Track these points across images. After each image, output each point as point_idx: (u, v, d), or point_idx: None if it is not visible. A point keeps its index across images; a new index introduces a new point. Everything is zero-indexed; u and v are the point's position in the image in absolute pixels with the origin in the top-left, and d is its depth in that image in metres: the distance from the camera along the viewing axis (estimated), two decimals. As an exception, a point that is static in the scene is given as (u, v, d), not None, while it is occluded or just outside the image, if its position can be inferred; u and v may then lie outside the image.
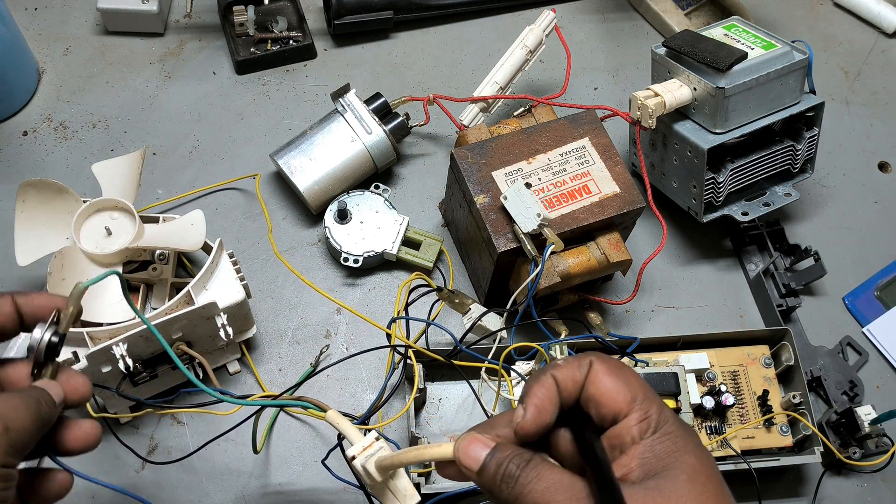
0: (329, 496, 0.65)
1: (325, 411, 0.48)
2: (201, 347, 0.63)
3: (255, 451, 0.61)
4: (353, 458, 0.44)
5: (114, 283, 0.62)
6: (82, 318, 0.61)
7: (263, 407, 0.57)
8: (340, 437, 0.51)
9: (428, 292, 0.64)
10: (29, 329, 0.42)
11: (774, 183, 0.76)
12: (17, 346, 0.67)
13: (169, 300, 0.63)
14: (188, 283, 0.62)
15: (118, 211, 0.65)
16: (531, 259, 0.62)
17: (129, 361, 0.56)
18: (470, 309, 0.62)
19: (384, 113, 0.76)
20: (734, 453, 0.64)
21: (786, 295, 0.75)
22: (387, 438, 0.59)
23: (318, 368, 0.69)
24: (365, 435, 0.46)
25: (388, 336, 0.61)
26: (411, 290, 0.63)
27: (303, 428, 0.68)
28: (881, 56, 0.96)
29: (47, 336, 0.41)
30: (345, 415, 0.56)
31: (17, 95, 0.80)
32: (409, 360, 0.62)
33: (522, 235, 0.61)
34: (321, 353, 0.70)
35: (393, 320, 0.60)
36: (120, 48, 0.86)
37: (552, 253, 0.62)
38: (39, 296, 0.42)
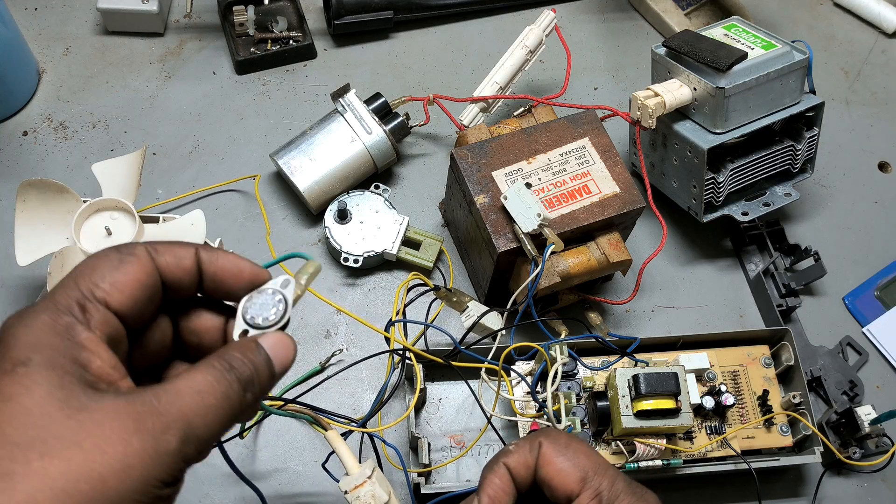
0: (330, 498, 0.65)
1: (325, 429, 0.48)
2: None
3: (241, 436, 0.61)
4: (346, 492, 0.45)
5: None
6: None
7: (268, 413, 0.56)
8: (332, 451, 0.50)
9: (426, 292, 0.64)
10: (207, 291, 0.35)
11: (774, 183, 0.76)
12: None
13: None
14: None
15: (118, 211, 0.65)
16: (531, 259, 0.62)
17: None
18: (468, 307, 0.62)
19: (384, 113, 0.76)
20: (734, 453, 0.64)
21: (786, 295, 0.75)
22: (385, 443, 0.59)
23: (325, 370, 0.69)
24: (361, 463, 0.46)
25: (387, 340, 0.61)
26: (409, 290, 0.63)
27: (302, 428, 0.67)
28: (881, 56, 0.96)
29: (287, 295, 0.34)
30: (346, 419, 0.56)
31: (17, 95, 0.80)
32: (408, 361, 0.62)
33: (522, 235, 0.61)
34: (332, 356, 0.70)
35: (391, 323, 0.60)
36: (120, 48, 0.86)
37: (552, 253, 0.62)
38: (226, 256, 0.35)
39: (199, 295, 0.36)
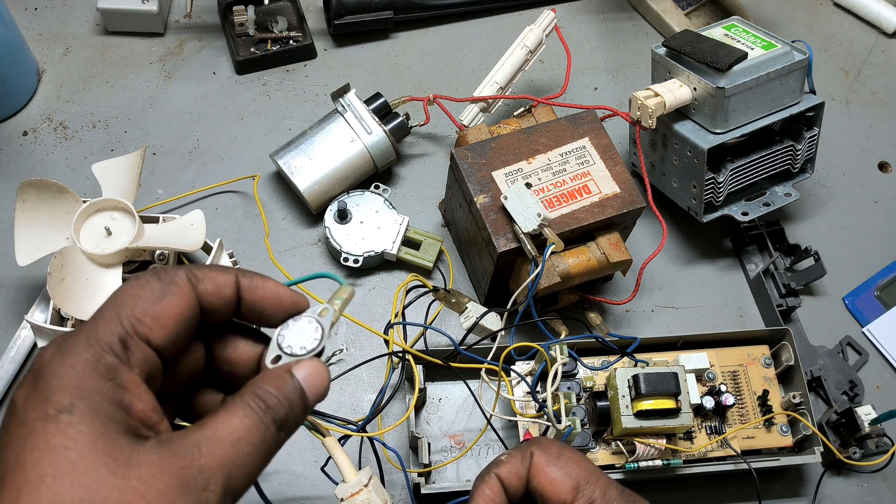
0: (329, 500, 0.65)
1: (324, 435, 0.48)
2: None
3: None
4: (342, 500, 0.45)
5: (115, 281, 0.62)
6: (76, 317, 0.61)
7: None
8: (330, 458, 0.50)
9: (425, 293, 0.63)
10: (244, 317, 0.35)
11: (774, 183, 0.76)
12: (18, 345, 0.67)
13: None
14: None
15: (118, 211, 0.65)
16: (531, 259, 0.62)
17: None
18: (466, 308, 0.62)
19: (384, 113, 0.76)
20: (734, 453, 0.64)
21: (786, 295, 0.75)
22: (385, 445, 0.59)
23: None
24: (360, 469, 0.46)
25: (387, 342, 0.61)
26: (408, 292, 0.62)
27: (302, 429, 0.67)
28: (881, 56, 0.96)
29: (325, 324, 0.34)
30: (345, 422, 0.56)
31: (17, 95, 0.80)
32: (407, 362, 0.61)
33: (522, 235, 0.61)
34: (333, 355, 0.70)
35: (389, 325, 0.60)
36: (120, 48, 0.86)
37: (552, 253, 0.62)
38: (265, 284, 0.35)
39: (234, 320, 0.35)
